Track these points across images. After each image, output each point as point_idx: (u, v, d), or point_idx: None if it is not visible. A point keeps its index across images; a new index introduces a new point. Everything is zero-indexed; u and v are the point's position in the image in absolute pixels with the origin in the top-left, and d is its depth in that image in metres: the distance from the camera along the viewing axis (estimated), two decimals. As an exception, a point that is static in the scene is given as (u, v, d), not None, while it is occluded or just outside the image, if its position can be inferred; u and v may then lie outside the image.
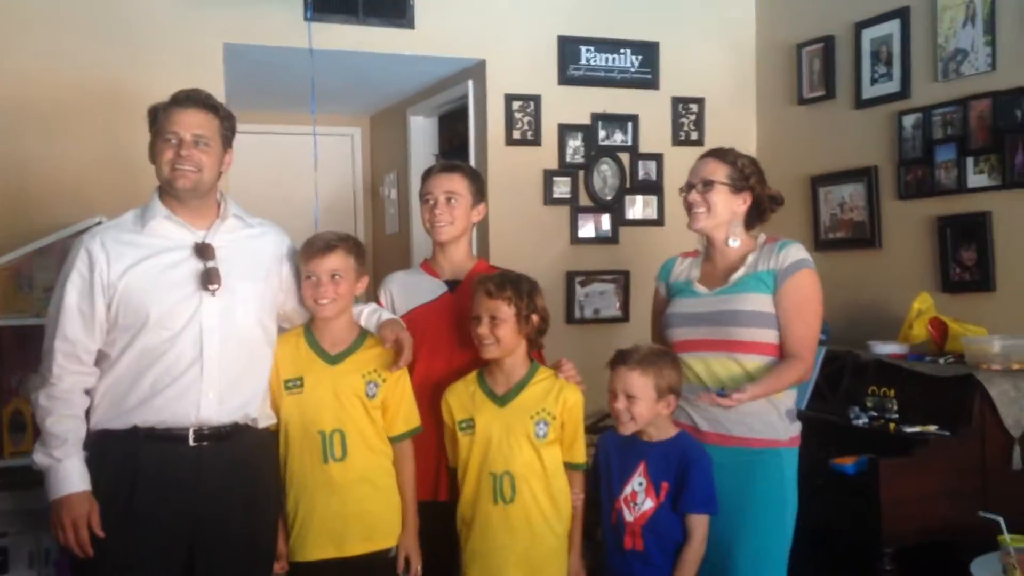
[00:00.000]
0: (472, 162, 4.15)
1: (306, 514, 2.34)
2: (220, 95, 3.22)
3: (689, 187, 2.56)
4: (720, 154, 2.56)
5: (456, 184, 2.60)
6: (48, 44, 3.21)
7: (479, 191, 2.66)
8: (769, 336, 2.44)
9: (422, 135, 5.07)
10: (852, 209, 3.90)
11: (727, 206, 2.51)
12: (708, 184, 2.51)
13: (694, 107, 4.31)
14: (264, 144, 5.08)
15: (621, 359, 2.39)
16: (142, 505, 2.14)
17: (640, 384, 2.34)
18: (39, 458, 2.15)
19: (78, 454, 2.14)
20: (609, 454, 2.46)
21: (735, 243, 2.54)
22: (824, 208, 4.02)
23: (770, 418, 2.43)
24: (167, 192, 2.25)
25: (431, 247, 2.72)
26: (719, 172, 2.51)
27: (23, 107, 3.08)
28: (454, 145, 4.78)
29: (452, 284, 2.62)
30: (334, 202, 5.43)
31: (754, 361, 2.43)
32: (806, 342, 2.44)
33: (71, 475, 2.12)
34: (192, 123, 2.20)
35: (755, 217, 2.58)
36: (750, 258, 2.52)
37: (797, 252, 2.48)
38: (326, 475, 2.34)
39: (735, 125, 4.33)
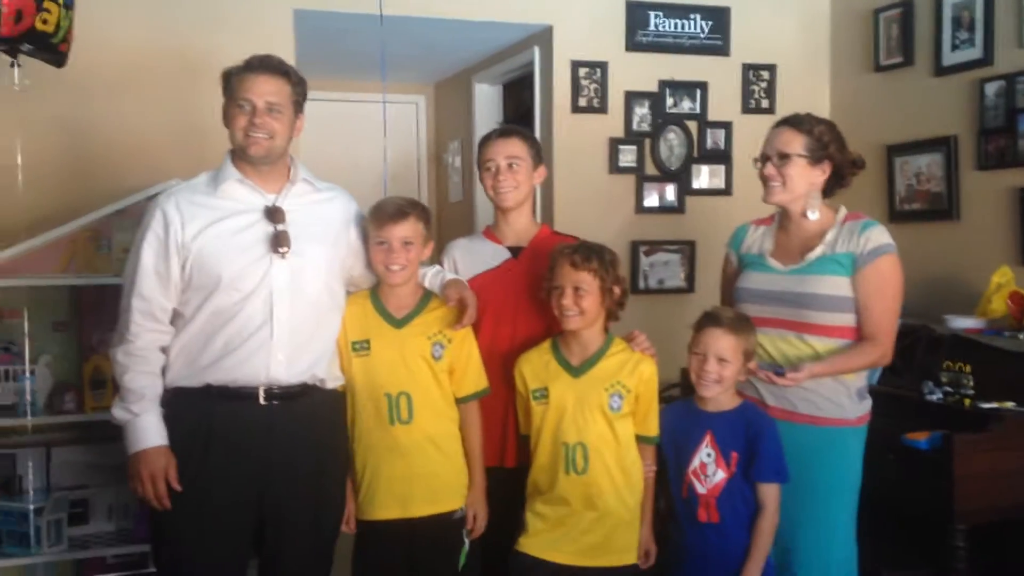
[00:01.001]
0: (537, 130, 4.13)
1: (372, 475, 2.38)
2: (290, 60, 3.25)
3: (764, 159, 2.46)
4: (795, 122, 2.45)
5: (516, 148, 2.56)
6: (122, 10, 3.27)
7: (538, 154, 2.62)
8: (844, 320, 2.38)
9: (486, 103, 5.06)
10: (929, 180, 3.78)
11: (804, 178, 2.42)
12: (784, 157, 2.41)
13: (765, 74, 4.21)
14: (330, 110, 5.12)
15: (713, 321, 2.35)
16: (216, 460, 2.19)
17: (732, 347, 2.32)
18: (118, 413, 2.22)
19: (155, 410, 2.20)
20: (673, 426, 2.44)
21: (814, 215, 2.45)
22: (900, 178, 3.90)
23: (839, 398, 2.38)
24: (239, 156, 2.28)
25: (493, 214, 2.71)
26: (795, 143, 2.41)
27: (99, 73, 3.15)
28: (519, 113, 4.76)
29: (515, 250, 2.60)
30: (398, 169, 5.46)
31: (826, 344, 2.38)
32: (884, 327, 2.36)
33: (149, 430, 2.18)
34: (265, 90, 2.22)
35: (835, 183, 2.49)
36: (828, 236, 2.42)
37: (879, 236, 2.38)
38: (392, 437, 2.36)
39: (808, 93, 4.22)
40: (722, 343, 2.32)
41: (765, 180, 2.47)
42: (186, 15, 3.43)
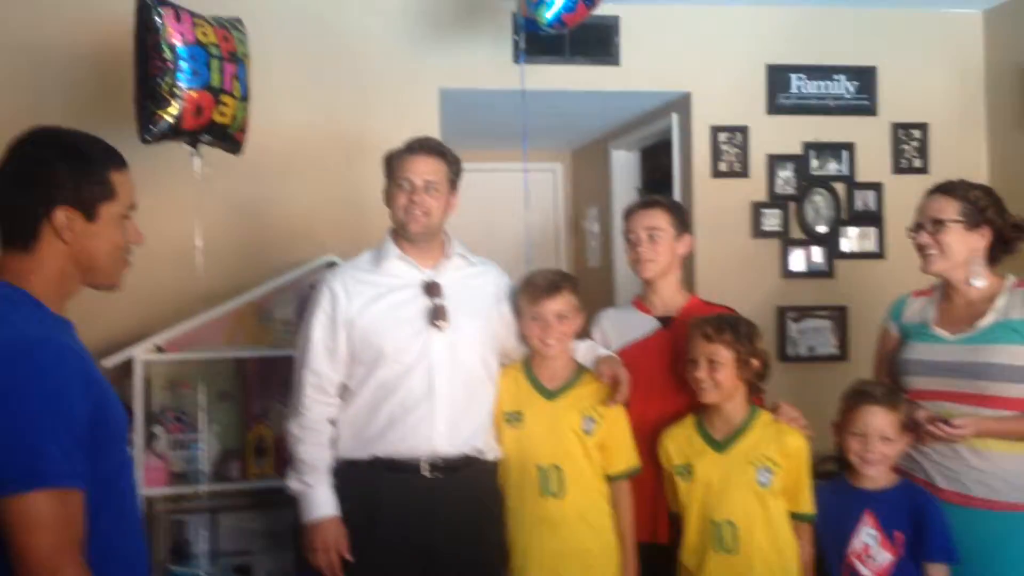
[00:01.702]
0: (677, 195, 4.11)
1: (525, 547, 2.37)
2: (436, 136, 3.39)
3: (917, 227, 2.39)
4: (948, 189, 2.37)
5: (656, 219, 2.55)
6: (286, 99, 3.48)
7: (682, 223, 2.60)
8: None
9: (624, 169, 5.08)
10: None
11: (963, 245, 2.32)
12: (938, 223, 2.33)
13: (917, 133, 4.08)
14: (468, 179, 5.25)
15: (869, 398, 2.28)
16: (383, 531, 2.25)
17: (893, 423, 2.25)
18: (292, 484, 2.31)
19: (327, 480, 2.29)
20: (827, 505, 2.34)
21: (979, 283, 2.34)
22: (1069, 238, 3.67)
23: (1019, 480, 2.23)
24: (399, 233, 2.38)
25: (639, 283, 2.70)
26: (949, 209, 2.32)
27: (266, 157, 3.34)
28: (656, 178, 4.76)
29: (665, 320, 2.58)
30: (537, 236, 5.53)
31: (1003, 417, 2.24)
32: None
33: (322, 501, 2.26)
34: (423, 170, 2.32)
35: (1000, 250, 2.38)
36: (1000, 302, 2.31)
37: None
38: (543, 510, 2.36)
39: (963, 151, 4.05)
40: (883, 421, 2.25)
41: (921, 249, 2.39)
42: (343, 100, 3.62)
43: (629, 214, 2.63)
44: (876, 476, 2.28)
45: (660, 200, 2.68)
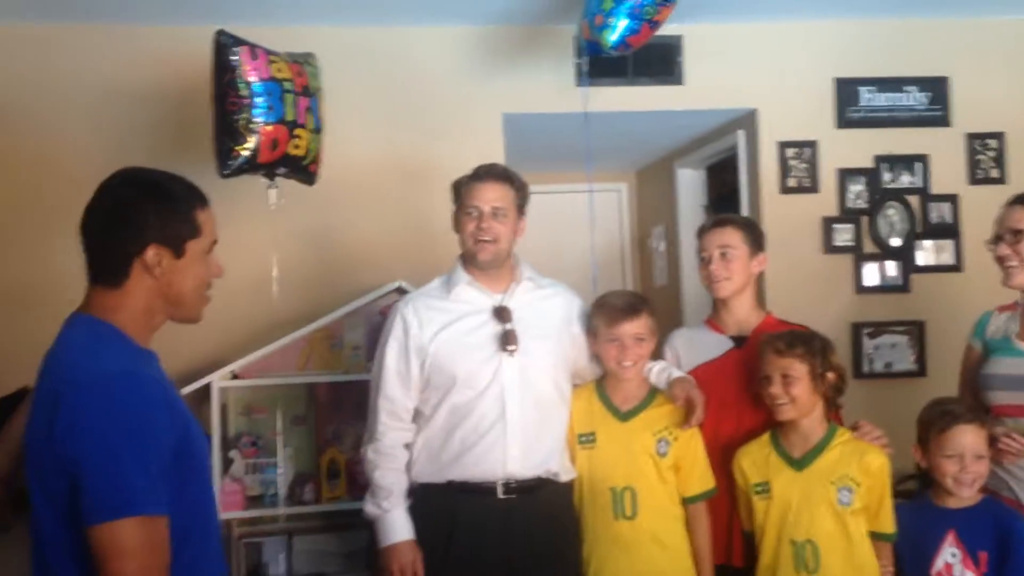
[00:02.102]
0: (744, 212, 4.06)
1: (598, 568, 2.36)
2: (500, 160, 3.41)
3: (996, 239, 2.34)
4: None
5: (729, 238, 2.53)
6: (355, 129, 3.55)
7: (755, 241, 2.57)
8: None
9: (689, 187, 5.04)
10: None
11: None
12: (1018, 234, 2.28)
13: (993, 143, 3.97)
14: (535, 202, 5.27)
15: (958, 418, 2.24)
16: (459, 554, 2.26)
17: (983, 439, 2.22)
18: (369, 508, 2.34)
19: (403, 505, 2.31)
20: (908, 525, 2.29)
21: None
22: None
23: None
24: (469, 260, 2.40)
25: (709, 301, 2.67)
26: None
27: (337, 187, 3.40)
28: (723, 195, 4.72)
29: (738, 340, 2.54)
30: (602, 256, 5.51)
31: None
32: None
33: (397, 525, 2.29)
34: (491, 196, 2.34)
35: None
36: None
37: None
38: (616, 532, 2.35)
39: (1043, 160, 3.94)
40: (976, 439, 2.21)
41: (1001, 261, 2.33)
42: (407, 129, 3.68)
43: (702, 232, 2.61)
44: (970, 496, 2.23)
45: (733, 218, 2.66)
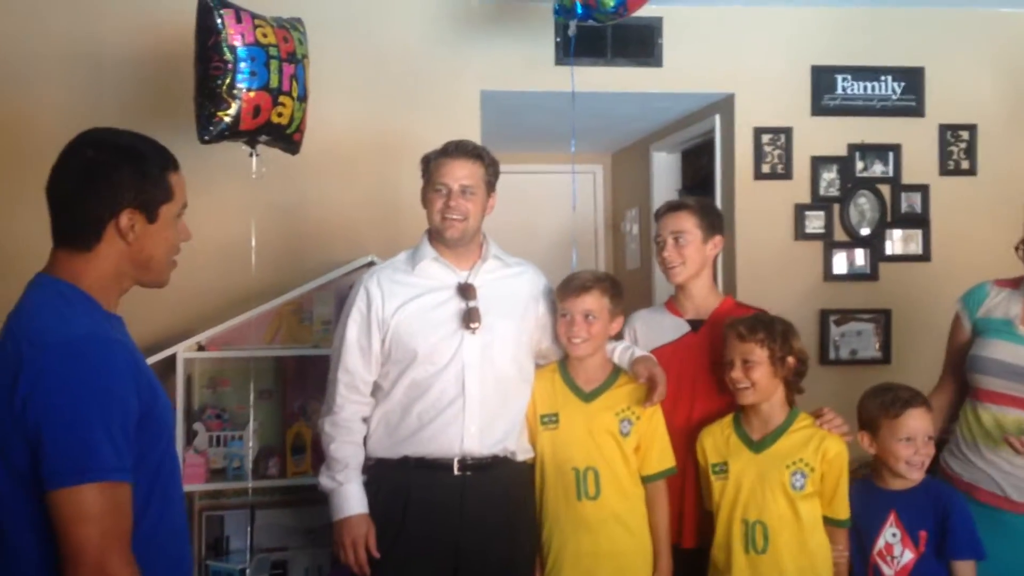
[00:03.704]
0: (718, 197, 4.07)
1: (559, 549, 2.37)
2: (476, 138, 3.39)
3: None
4: None
5: (682, 223, 2.51)
6: (331, 99, 3.50)
7: (711, 225, 2.54)
8: None
9: (664, 170, 5.04)
10: None
11: None
12: None
13: (964, 134, 3.99)
14: (509, 181, 5.26)
15: (912, 402, 2.27)
16: (412, 529, 2.26)
17: (930, 424, 2.27)
18: (324, 481, 2.34)
19: (358, 479, 2.31)
20: (852, 506, 2.32)
21: None
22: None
23: None
24: (436, 236, 2.38)
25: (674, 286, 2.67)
26: None
27: (312, 158, 3.36)
28: (698, 180, 4.72)
29: (695, 323, 2.54)
30: (576, 238, 5.51)
31: None
32: None
33: (352, 498, 2.28)
34: (460, 174, 2.32)
35: None
36: None
37: None
38: (579, 513, 2.36)
39: (1012, 153, 3.96)
40: (926, 422, 2.26)
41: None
42: (384, 102, 3.63)
43: (657, 217, 2.60)
44: (919, 478, 2.27)
45: (687, 203, 2.62)
